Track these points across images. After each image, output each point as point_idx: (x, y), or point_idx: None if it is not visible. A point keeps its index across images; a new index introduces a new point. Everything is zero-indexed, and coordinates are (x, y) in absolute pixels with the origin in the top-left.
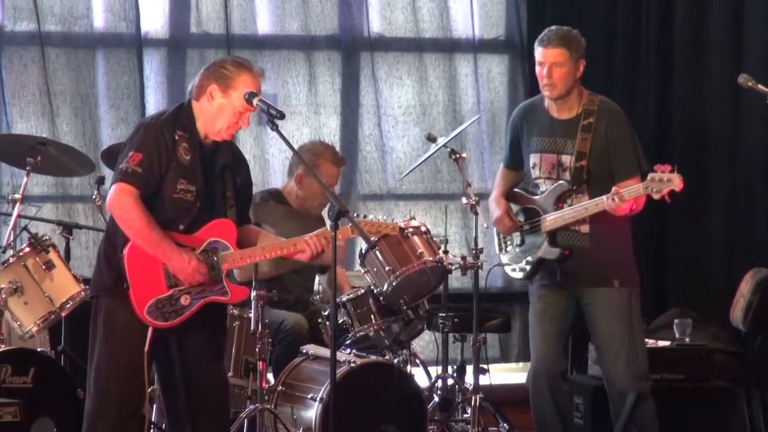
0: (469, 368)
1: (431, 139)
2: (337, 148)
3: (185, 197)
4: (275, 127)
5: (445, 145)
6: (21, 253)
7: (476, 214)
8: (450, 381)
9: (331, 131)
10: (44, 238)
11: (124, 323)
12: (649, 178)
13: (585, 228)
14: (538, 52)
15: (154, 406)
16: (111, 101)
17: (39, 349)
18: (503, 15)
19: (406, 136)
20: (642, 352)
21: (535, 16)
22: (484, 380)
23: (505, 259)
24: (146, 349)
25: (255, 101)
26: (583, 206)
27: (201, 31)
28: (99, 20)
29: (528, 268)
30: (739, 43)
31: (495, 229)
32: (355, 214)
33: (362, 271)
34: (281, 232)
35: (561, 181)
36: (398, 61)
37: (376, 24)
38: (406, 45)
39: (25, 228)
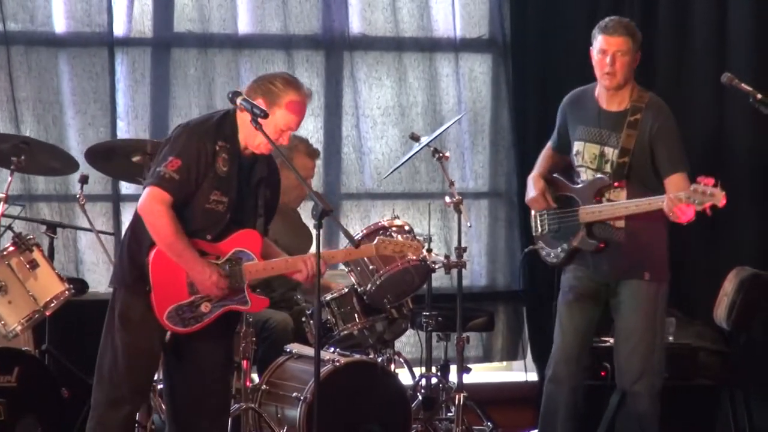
0: (453, 367)
1: (414, 138)
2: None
3: (217, 208)
4: (259, 126)
5: (428, 144)
6: (5, 252)
7: (459, 213)
8: (434, 380)
9: (308, 132)
10: (28, 238)
11: (138, 320)
12: (692, 188)
13: (620, 223)
14: (601, 39)
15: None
16: (77, 105)
17: (23, 349)
18: (485, 14)
19: (384, 137)
20: (660, 350)
21: (517, 14)
22: (467, 379)
23: (540, 242)
24: (164, 350)
25: (239, 100)
26: (634, 204)
27: (183, 30)
28: (62, 23)
29: (562, 255)
30: (723, 42)
31: (532, 211)
32: (377, 237)
33: (346, 270)
34: None
35: (602, 176)
36: (378, 62)
37: (356, 24)
38: (386, 45)
39: (9, 227)
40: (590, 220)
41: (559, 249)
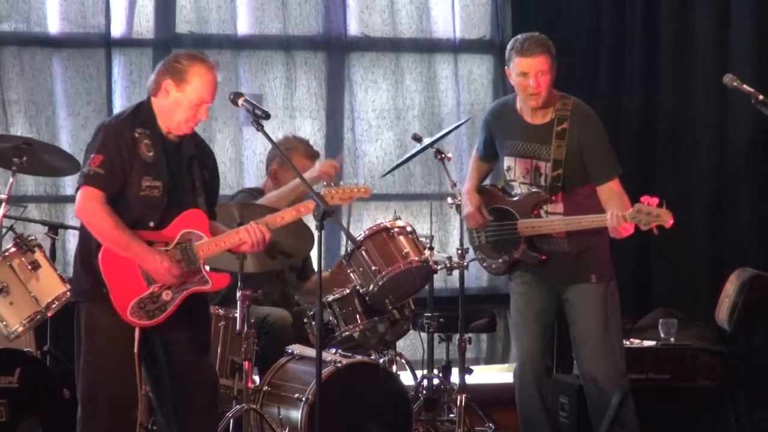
0: (455, 368)
1: (417, 138)
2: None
3: (152, 194)
4: (260, 128)
5: (431, 145)
6: (7, 253)
7: (461, 214)
8: (435, 381)
9: (306, 134)
10: (30, 239)
11: (105, 327)
12: (635, 208)
13: (561, 233)
14: (518, 62)
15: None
16: (71, 107)
17: (25, 349)
18: (484, 16)
19: (379, 139)
20: (619, 349)
21: (519, 15)
22: (469, 380)
23: (479, 253)
24: (136, 350)
25: (240, 101)
26: (576, 220)
27: (183, 32)
28: (56, 25)
29: (503, 266)
30: (725, 42)
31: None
32: (323, 183)
33: (348, 270)
34: None
35: (538, 190)
36: (374, 64)
37: (354, 26)
38: (384, 47)
39: (11, 228)
40: (530, 234)
41: (500, 261)
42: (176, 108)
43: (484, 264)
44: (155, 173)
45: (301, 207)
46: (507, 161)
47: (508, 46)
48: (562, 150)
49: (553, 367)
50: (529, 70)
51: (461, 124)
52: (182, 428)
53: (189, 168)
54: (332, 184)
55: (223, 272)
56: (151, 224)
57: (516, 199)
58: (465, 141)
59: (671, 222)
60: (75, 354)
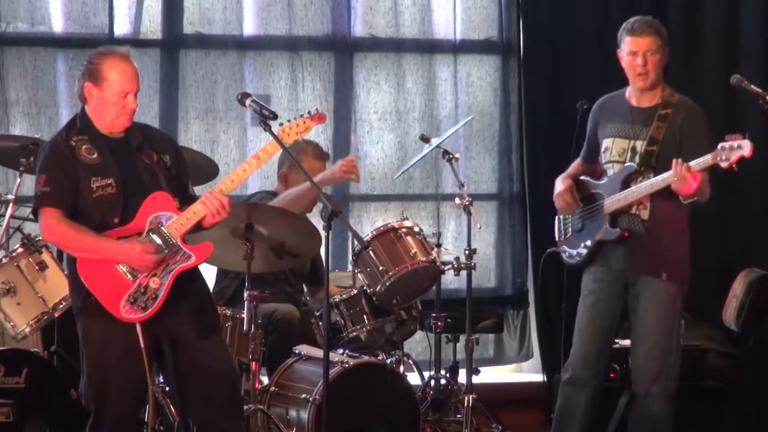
0: (462, 369)
1: (425, 139)
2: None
3: (105, 192)
4: (268, 128)
5: (438, 146)
6: (14, 254)
7: (470, 214)
8: (443, 381)
9: (309, 135)
10: (37, 239)
11: (99, 339)
12: (719, 147)
13: (645, 214)
14: (629, 41)
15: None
16: (74, 107)
17: (32, 350)
18: (485, 19)
19: (380, 141)
20: (676, 353)
21: (527, 17)
22: (476, 380)
23: (563, 246)
24: (143, 344)
25: (248, 102)
26: (648, 183)
27: (191, 32)
28: (60, 24)
29: (585, 252)
30: (733, 43)
31: (557, 217)
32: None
33: (355, 271)
34: (273, 233)
35: (629, 163)
36: (377, 66)
37: (359, 28)
38: (388, 48)
39: (18, 228)
40: (614, 208)
41: (582, 246)
42: (104, 107)
43: (565, 255)
44: (103, 172)
45: (259, 152)
46: (605, 143)
47: (621, 29)
48: (662, 131)
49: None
50: (638, 49)
51: (467, 122)
52: (204, 427)
53: (140, 156)
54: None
55: (202, 243)
56: (116, 221)
57: (605, 180)
58: (462, 144)
59: (751, 151)
60: (80, 366)
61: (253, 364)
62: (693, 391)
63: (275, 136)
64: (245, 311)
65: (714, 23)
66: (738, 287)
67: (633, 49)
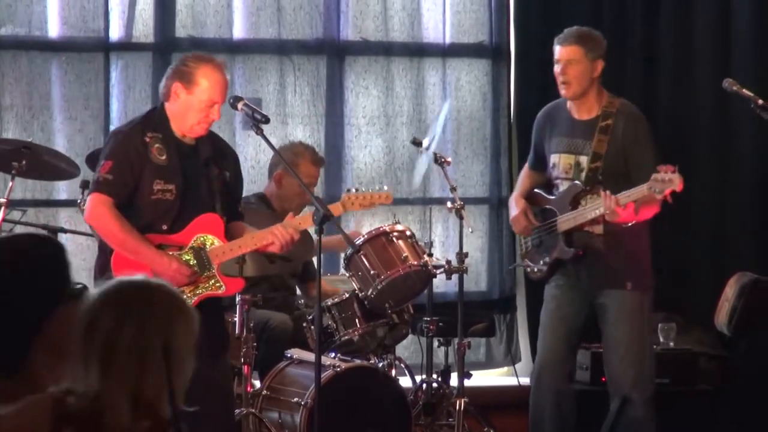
0: (454, 373)
1: (416, 143)
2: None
3: (164, 197)
4: (260, 131)
5: (428, 148)
6: None
7: (461, 218)
8: (434, 385)
9: (298, 139)
10: None
11: None
12: (652, 178)
13: (598, 229)
14: (555, 50)
15: None
16: (67, 111)
17: None
18: (475, 23)
19: (368, 146)
20: (650, 358)
21: (519, 21)
22: (468, 384)
23: (525, 260)
24: None
25: (240, 105)
26: (589, 211)
27: (184, 36)
28: (55, 28)
29: (545, 268)
30: (726, 46)
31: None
32: (346, 189)
33: (347, 274)
34: None
35: (575, 182)
36: (366, 71)
37: (349, 32)
38: (377, 52)
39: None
40: (567, 227)
41: (542, 263)
42: (188, 111)
43: (528, 270)
44: (168, 176)
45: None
46: (553, 158)
47: None
48: (604, 144)
49: (574, 372)
50: (560, 58)
51: (448, 111)
52: None
53: (206, 170)
54: (354, 189)
55: (237, 277)
56: (164, 227)
57: (555, 196)
58: (449, 148)
59: (681, 186)
60: None
61: (245, 368)
62: (685, 394)
63: (267, 140)
64: (237, 315)
65: (707, 25)
66: (730, 291)
67: (556, 57)
